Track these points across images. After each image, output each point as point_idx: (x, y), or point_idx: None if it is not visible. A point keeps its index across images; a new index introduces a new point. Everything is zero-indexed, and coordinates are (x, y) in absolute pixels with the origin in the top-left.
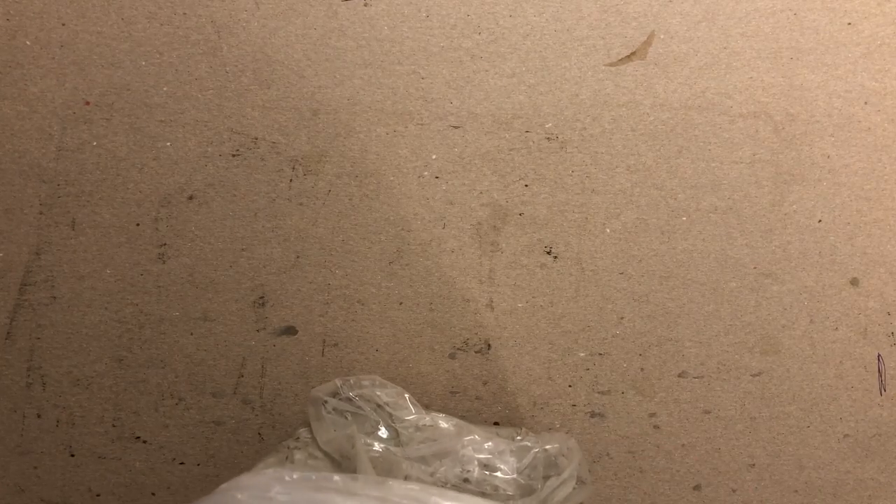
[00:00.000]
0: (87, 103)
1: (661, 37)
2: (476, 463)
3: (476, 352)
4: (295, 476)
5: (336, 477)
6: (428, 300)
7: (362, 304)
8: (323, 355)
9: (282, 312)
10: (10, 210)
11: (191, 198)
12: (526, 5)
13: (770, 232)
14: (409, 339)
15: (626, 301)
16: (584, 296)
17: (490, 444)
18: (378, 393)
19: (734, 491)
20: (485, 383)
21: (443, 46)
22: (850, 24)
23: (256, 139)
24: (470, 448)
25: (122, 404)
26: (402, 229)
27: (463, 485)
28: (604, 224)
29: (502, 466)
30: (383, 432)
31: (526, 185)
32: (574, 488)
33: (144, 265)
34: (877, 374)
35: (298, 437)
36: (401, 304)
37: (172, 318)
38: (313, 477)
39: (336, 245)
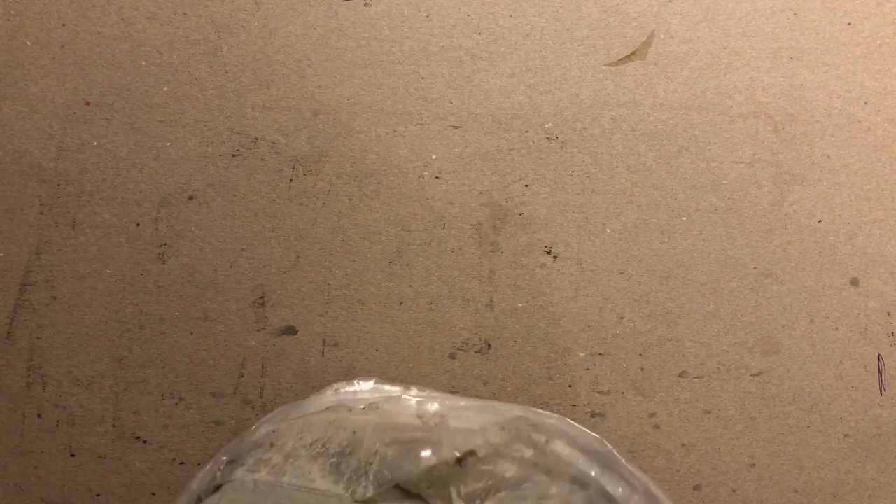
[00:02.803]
0: (87, 103)
1: (661, 37)
2: None
3: (476, 352)
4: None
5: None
6: (428, 300)
7: (362, 304)
8: (323, 355)
9: (282, 312)
10: (10, 210)
11: (191, 198)
12: (526, 5)
13: (770, 232)
14: (409, 339)
15: (626, 301)
16: (584, 296)
17: None
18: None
19: (734, 491)
20: (485, 383)
21: (443, 46)
22: (850, 24)
23: (256, 139)
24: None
25: (122, 404)
26: (402, 229)
27: None
28: (604, 224)
29: None
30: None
31: (526, 185)
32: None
33: (144, 265)
34: (877, 374)
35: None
36: (401, 304)
37: (172, 318)
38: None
39: (336, 245)
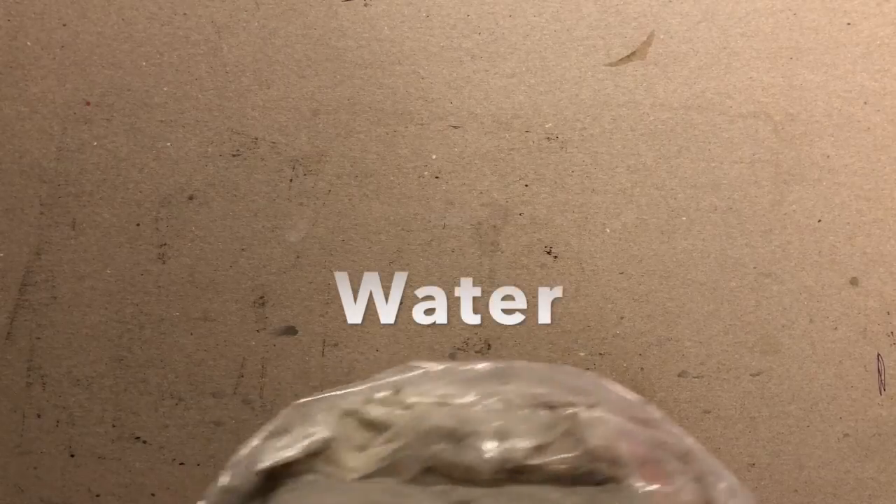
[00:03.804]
0: (88, 103)
1: (661, 37)
2: None
3: (476, 352)
4: None
5: None
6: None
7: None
8: (323, 355)
9: (282, 312)
10: (11, 210)
11: (191, 198)
12: (526, 5)
13: (770, 232)
14: (409, 339)
15: (626, 301)
16: (584, 296)
17: None
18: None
19: None
20: None
21: (443, 46)
22: (849, 24)
23: (256, 139)
24: None
25: (122, 404)
26: (402, 229)
27: None
28: (604, 224)
29: None
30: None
31: (526, 185)
32: None
33: (144, 265)
34: (877, 373)
35: None
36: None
37: (172, 318)
38: None
39: (336, 245)
